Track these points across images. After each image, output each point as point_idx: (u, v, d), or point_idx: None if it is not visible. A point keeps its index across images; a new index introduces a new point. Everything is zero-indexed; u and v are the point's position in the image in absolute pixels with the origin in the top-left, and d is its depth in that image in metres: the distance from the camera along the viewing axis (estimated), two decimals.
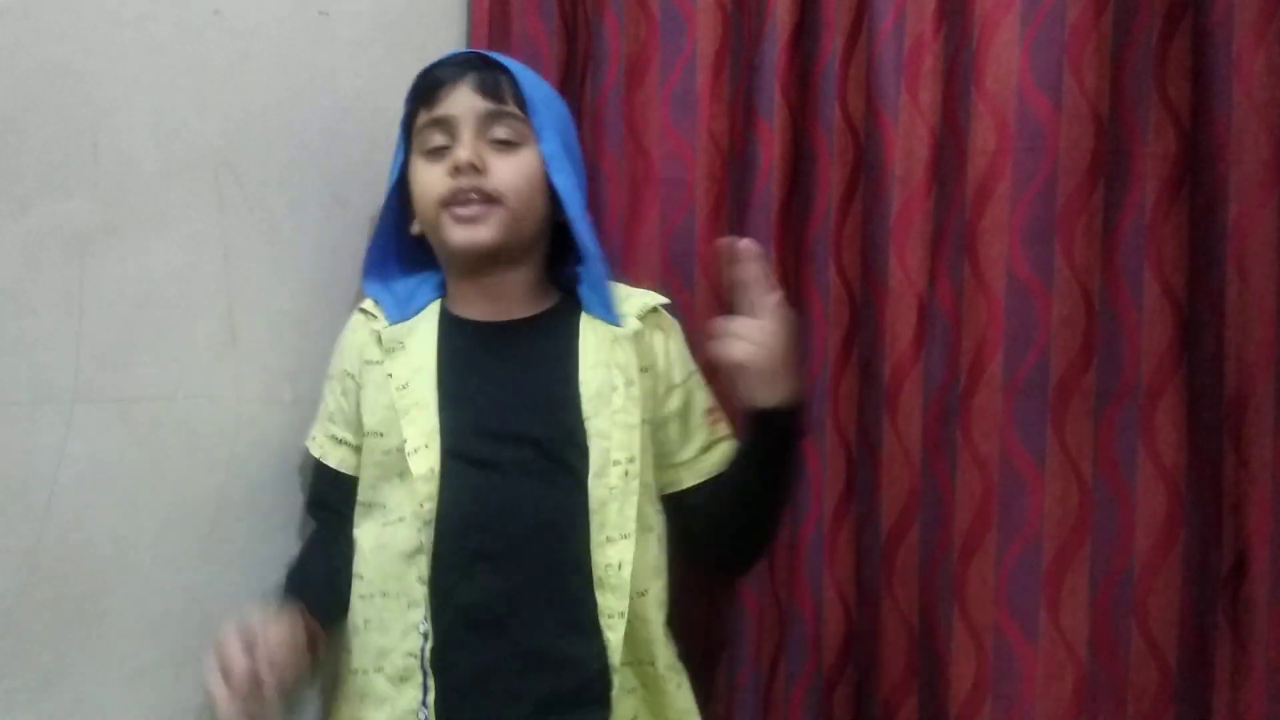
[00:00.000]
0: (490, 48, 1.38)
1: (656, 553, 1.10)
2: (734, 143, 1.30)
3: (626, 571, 1.03)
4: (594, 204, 1.40)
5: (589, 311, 1.12)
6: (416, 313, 1.14)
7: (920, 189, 1.18)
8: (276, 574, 1.15)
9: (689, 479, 1.14)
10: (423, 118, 1.11)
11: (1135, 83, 1.09)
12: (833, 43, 1.24)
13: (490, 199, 1.08)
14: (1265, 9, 1.02)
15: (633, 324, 1.11)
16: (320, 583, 1.11)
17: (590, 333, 1.11)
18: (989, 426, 1.12)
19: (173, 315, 1.07)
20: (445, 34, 1.38)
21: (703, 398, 1.17)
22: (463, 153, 1.07)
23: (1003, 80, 1.11)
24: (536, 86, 1.14)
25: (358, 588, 1.09)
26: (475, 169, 1.07)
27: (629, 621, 1.03)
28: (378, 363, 1.11)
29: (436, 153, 1.10)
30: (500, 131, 1.10)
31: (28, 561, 0.97)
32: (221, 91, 1.12)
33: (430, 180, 1.10)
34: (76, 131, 0.99)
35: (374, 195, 1.22)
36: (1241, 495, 1.05)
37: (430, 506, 1.04)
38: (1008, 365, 1.11)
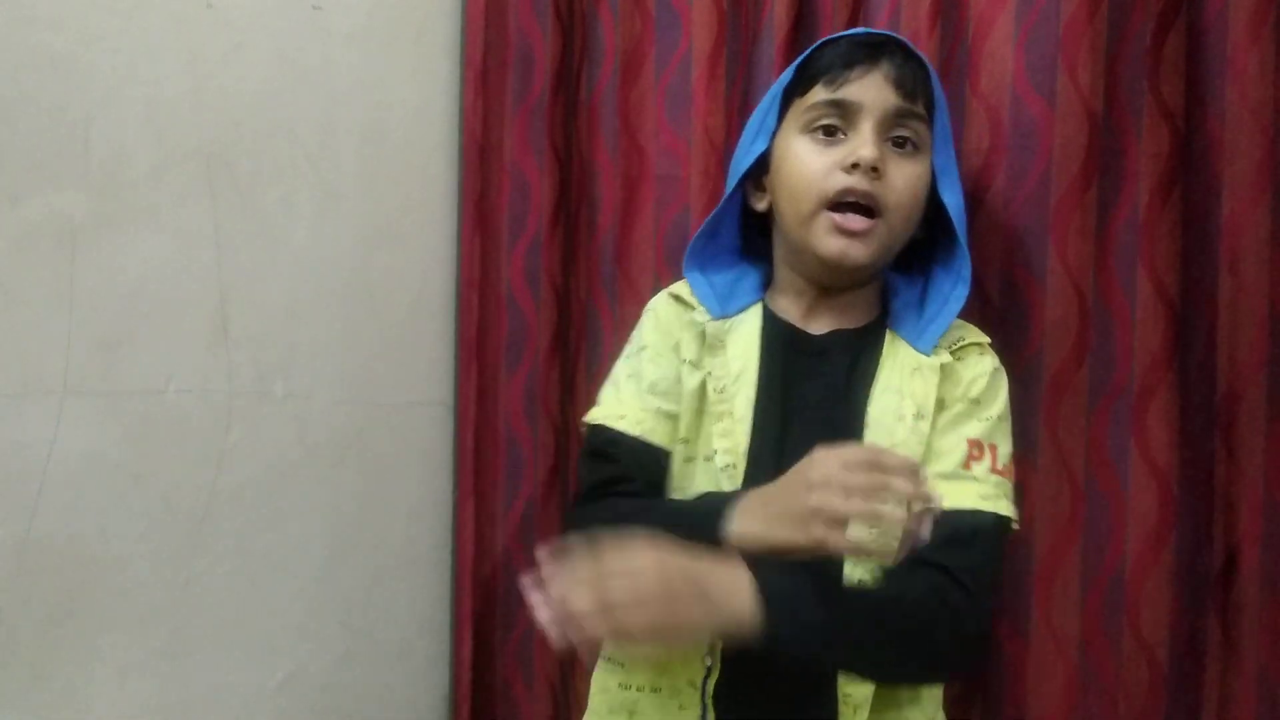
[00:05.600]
0: (485, 42, 1.38)
1: None
2: (729, 139, 1.30)
3: None
4: (588, 200, 1.40)
5: (895, 329, 1.01)
6: (739, 311, 1.04)
7: None
8: (267, 568, 1.15)
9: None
10: (819, 94, 0.98)
11: (1129, 81, 1.09)
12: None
13: (876, 211, 0.96)
14: (1259, 8, 1.02)
15: (943, 356, 0.99)
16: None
17: (892, 354, 1.00)
18: None
19: (164, 308, 1.07)
20: (439, 27, 1.38)
21: (976, 429, 0.97)
22: (867, 151, 0.94)
23: (997, 78, 1.10)
24: (939, 86, 1.02)
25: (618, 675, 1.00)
26: (876, 171, 0.95)
27: None
28: (693, 360, 1.01)
29: (826, 134, 0.98)
30: (904, 132, 0.97)
31: (17, 554, 0.97)
32: (214, 84, 1.11)
33: (817, 167, 0.97)
34: (68, 123, 0.99)
35: (367, 189, 1.22)
36: (1232, 494, 1.05)
37: None
38: (1002, 363, 1.11)
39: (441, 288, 1.42)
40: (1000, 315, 1.11)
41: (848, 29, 1.22)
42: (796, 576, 0.85)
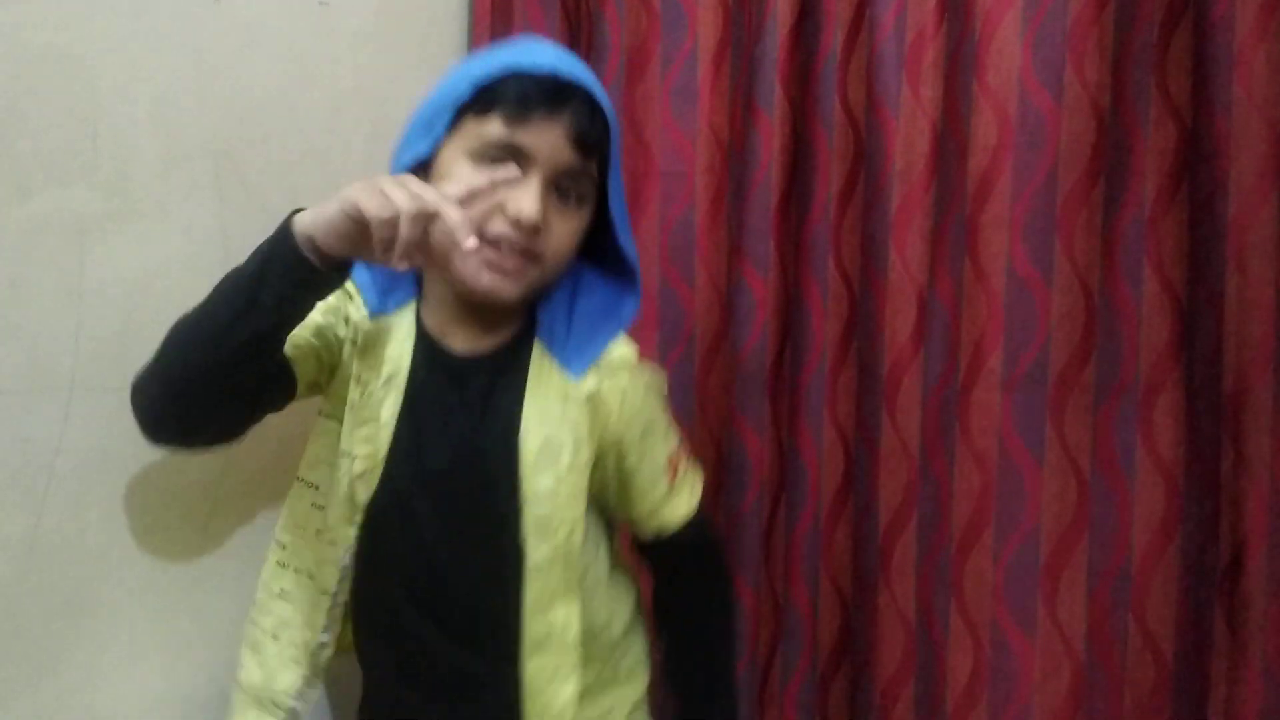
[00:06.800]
0: (492, 39, 1.38)
1: (598, 580, 1.06)
2: (734, 136, 1.30)
3: (573, 630, 0.99)
4: None
5: (545, 342, 1.00)
6: (394, 309, 1.02)
7: (921, 183, 1.18)
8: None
9: (644, 532, 1.08)
10: (495, 129, 0.94)
11: (1136, 78, 1.09)
12: (834, 36, 1.24)
13: (532, 257, 0.96)
14: (1267, 5, 1.02)
15: (589, 383, 0.99)
16: None
17: (540, 376, 0.99)
18: (987, 421, 1.12)
19: (172, 305, 1.07)
20: (446, 25, 1.38)
21: (663, 449, 1.06)
22: (529, 211, 0.93)
23: (1004, 74, 1.11)
24: (616, 129, 0.99)
25: (277, 553, 1.06)
26: (536, 230, 0.94)
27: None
28: (351, 353, 1.01)
29: (491, 164, 0.94)
30: (571, 186, 0.96)
31: (25, 549, 0.97)
32: (222, 81, 1.11)
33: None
34: (77, 120, 0.99)
35: None
36: (1239, 491, 1.05)
37: (358, 537, 0.99)
38: (1007, 360, 1.11)
39: None
40: (1006, 311, 1.11)
41: (851, 25, 1.22)
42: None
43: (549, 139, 0.94)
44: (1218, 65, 1.05)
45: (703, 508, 1.11)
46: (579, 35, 1.38)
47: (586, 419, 0.98)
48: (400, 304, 1.03)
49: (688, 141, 1.29)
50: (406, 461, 0.98)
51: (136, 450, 1.04)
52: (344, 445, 1.00)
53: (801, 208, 1.28)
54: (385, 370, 0.99)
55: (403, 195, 0.82)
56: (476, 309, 1.01)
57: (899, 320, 1.19)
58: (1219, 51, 1.05)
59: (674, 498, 1.07)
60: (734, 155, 1.30)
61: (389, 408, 0.98)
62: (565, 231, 0.97)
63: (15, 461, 0.96)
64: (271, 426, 1.17)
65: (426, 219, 0.83)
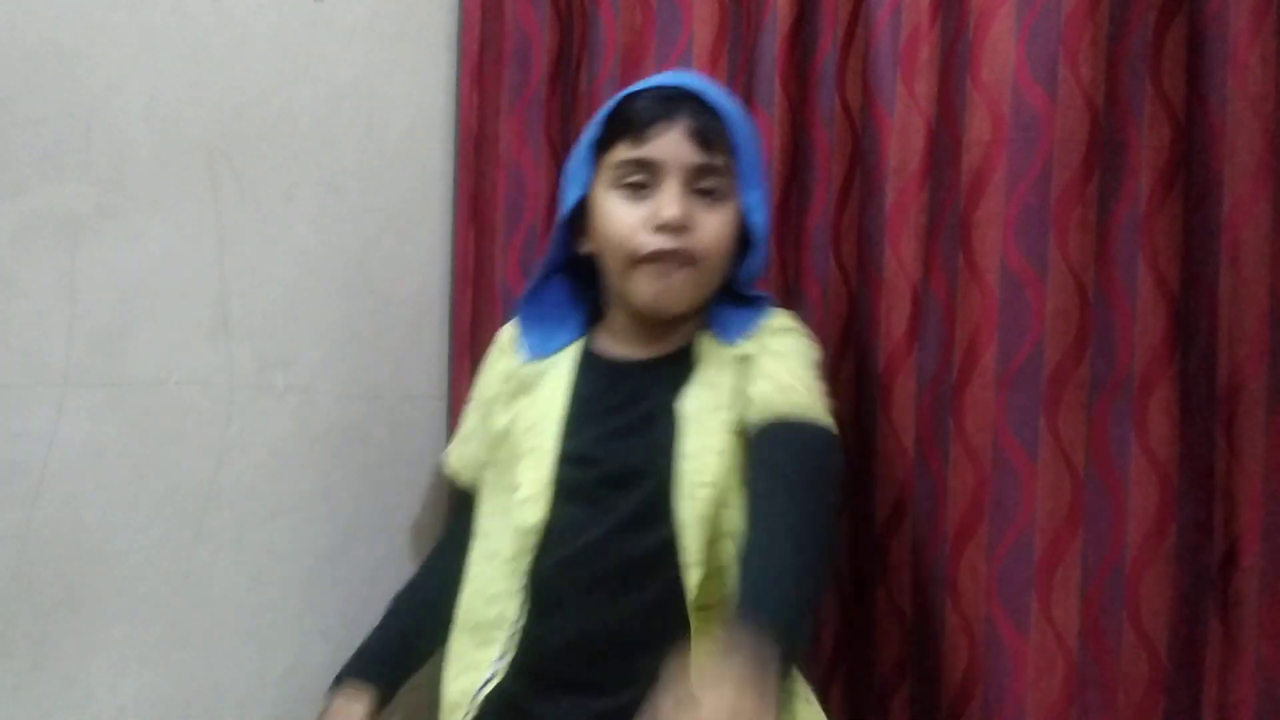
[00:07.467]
0: (481, 35, 1.38)
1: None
2: None
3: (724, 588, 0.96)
4: None
5: (712, 329, 1.08)
6: (557, 350, 1.12)
7: (915, 180, 1.18)
8: (267, 561, 1.14)
9: (758, 420, 1.01)
10: (623, 151, 1.04)
11: (1130, 74, 1.09)
12: (832, 35, 1.24)
13: (689, 259, 1.03)
14: (1261, 2, 1.02)
15: (742, 346, 1.05)
16: (393, 640, 1.15)
17: (706, 353, 1.07)
18: (982, 417, 1.12)
19: (166, 300, 1.07)
20: (439, 21, 1.38)
21: (793, 365, 1.04)
22: (671, 211, 1.01)
23: (998, 71, 1.10)
24: (742, 126, 1.07)
25: (480, 545, 1.10)
26: (684, 228, 1.01)
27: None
28: (504, 401, 1.12)
29: (633, 189, 1.04)
30: (707, 183, 1.04)
31: (17, 546, 0.97)
32: (217, 77, 1.11)
33: (628, 225, 1.04)
34: (70, 115, 0.99)
35: (367, 183, 1.22)
36: (1233, 487, 1.05)
37: (529, 558, 1.05)
38: (1001, 356, 1.11)
39: (440, 282, 1.42)
40: (1001, 307, 1.11)
41: (848, 23, 1.22)
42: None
43: (670, 143, 1.02)
44: (1212, 61, 1.05)
45: (828, 423, 1.02)
46: (571, 31, 1.38)
47: (731, 377, 1.03)
48: (561, 346, 1.13)
49: None
50: (576, 473, 1.04)
51: (130, 446, 1.04)
52: (508, 481, 1.07)
53: (801, 205, 1.28)
54: (542, 407, 1.08)
55: None
56: (654, 327, 1.09)
57: (894, 317, 1.19)
58: (1213, 48, 1.05)
59: (792, 393, 1.01)
60: None
61: (548, 438, 1.06)
62: (713, 227, 1.03)
63: (8, 457, 0.96)
64: (265, 425, 1.17)
65: None
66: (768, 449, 0.99)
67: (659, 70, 1.30)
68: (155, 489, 1.07)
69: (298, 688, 1.19)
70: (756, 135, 1.11)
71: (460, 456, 1.19)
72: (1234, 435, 1.05)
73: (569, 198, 1.09)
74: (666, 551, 1.00)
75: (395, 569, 1.31)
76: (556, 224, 1.13)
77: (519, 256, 1.43)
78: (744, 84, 1.28)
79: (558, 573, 1.04)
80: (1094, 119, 1.08)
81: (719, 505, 1.00)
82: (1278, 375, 1.04)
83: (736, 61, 1.30)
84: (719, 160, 1.03)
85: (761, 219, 1.07)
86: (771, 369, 1.03)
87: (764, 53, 1.25)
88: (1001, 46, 1.10)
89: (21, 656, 0.97)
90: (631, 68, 1.31)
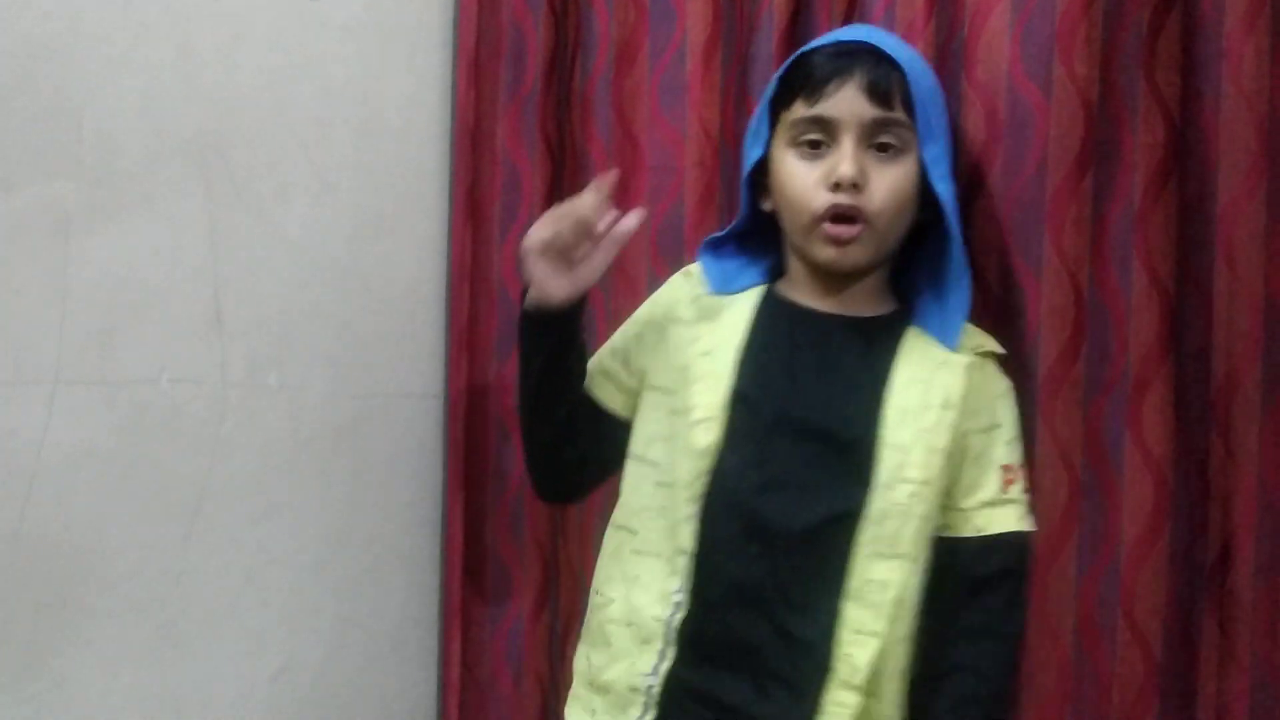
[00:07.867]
0: (477, 32, 1.38)
1: (916, 586, 1.01)
2: (724, 131, 1.29)
3: (891, 594, 0.98)
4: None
5: (920, 325, 1.06)
6: (739, 291, 1.11)
7: None
8: (260, 560, 1.14)
9: (962, 528, 1.04)
10: (799, 110, 1.03)
11: (1125, 72, 1.09)
12: (827, 31, 1.24)
13: (863, 217, 1.01)
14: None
15: (968, 355, 1.04)
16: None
17: (915, 347, 1.05)
18: None
19: (157, 298, 1.07)
20: (433, 17, 1.38)
21: (1005, 454, 1.06)
22: (846, 167, 1.00)
23: (993, 69, 1.10)
24: (923, 79, 1.04)
25: (629, 541, 1.07)
26: (857, 187, 1.00)
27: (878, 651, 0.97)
28: (687, 322, 1.09)
29: (811, 148, 1.03)
30: (884, 138, 1.02)
31: (9, 544, 0.96)
32: (210, 74, 1.11)
33: (804, 183, 1.03)
34: (62, 112, 0.99)
35: (361, 180, 1.22)
36: (1228, 485, 1.05)
37: (703, 482, 1.02)
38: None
39: (435, 279, 1.42)
40: (997, 305, 1.11)
41: (843, 19, 1.22)
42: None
43: (845, 100, 1.01)
44: (1206, 59, 1.05)
45: (1027, 544, 1.06)
46: (566, 28, 1.38)
47: (961, 387, 1.02)
48: (744, 288, 1.11)
49: (677, 135, 1.29)
50: (749, 411, 1.03)
51: (121, 443, 1.04)
52: (680, 404, 1.05)
53: None
54: (723, 334, 1.07)
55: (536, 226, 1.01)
56: (837, 281, 1.07)
57: None
58: (1207, 45, 1.05)
59: (1004, 505, 1.04)
60: (724, 150, 1.30)
61: (725, 363, 1.05)
62: (886, 184, 1.02)
63: None
64: (258, 422, 1.17)
65: (572, 225, 1.00)
66: (970, 585, 1.03)
67: (652, 68, 1.30)
68: (147, 488, 1.07)
69: (289, 686, 1.19)
70: (938, 88, 1.07)
71: (598, 363, 1.16)
72: (1229, 433, 1.05)
73: (750, 156, 1.09)
74: (842, 529, 0.99)
75: (388, 569, 1.31)
76: (741, 183, 1.12)
77: (515, 254, 1.43)
78: (739, 81, 1.28)
79: (732, 508, 1.02)
80: (1088, 116, 1.08)
81: (910, 500, 0.99)
82: (1272, 373, 1.04)
83: (731, 59, 1.29)
84: (897, 114, 1.02)
85: (944, 172, 1.04)
86: (988, 451, 1.04)
87: (759, 51, 1.25)
88: (996, 44, 1.10)
89: (14, 655, 0.97)
90: (625, 64, 1.31)
